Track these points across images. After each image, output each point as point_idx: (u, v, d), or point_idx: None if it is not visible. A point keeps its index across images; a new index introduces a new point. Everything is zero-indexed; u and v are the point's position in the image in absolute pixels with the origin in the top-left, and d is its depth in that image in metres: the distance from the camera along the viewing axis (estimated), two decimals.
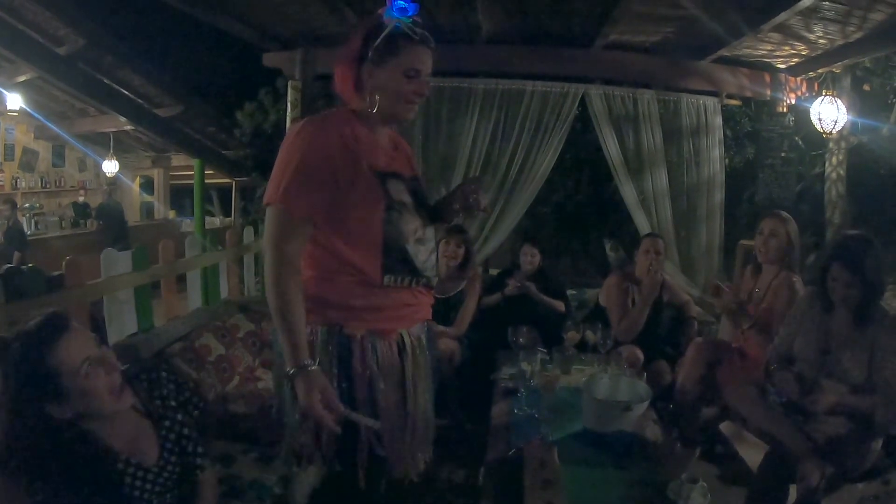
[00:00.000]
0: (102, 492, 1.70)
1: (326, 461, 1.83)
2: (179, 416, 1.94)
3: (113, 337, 3.37)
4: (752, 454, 3.03)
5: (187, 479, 1.93)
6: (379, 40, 1.79)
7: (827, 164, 5.63)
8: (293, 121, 5.28)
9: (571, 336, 3.59)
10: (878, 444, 2.78)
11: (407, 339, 1.91)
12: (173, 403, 1.94)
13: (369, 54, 1.80)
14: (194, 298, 4.15)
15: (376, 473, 1.87)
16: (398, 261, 1.84)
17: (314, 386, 1.67)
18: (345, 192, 1.77)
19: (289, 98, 5.34)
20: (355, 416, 1.73)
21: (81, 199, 12.64)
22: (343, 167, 1.76)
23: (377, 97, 1.83)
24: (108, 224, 10.28)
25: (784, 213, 3.66)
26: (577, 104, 5.23)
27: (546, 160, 5.25)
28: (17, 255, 8.71)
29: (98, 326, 3.38)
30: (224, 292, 4.33)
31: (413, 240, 1.87)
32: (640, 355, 3.93)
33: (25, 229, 10.34)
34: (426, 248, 1.93)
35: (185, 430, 1.94)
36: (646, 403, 2.69)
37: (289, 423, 1.84)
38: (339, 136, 1.78)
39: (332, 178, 1.75)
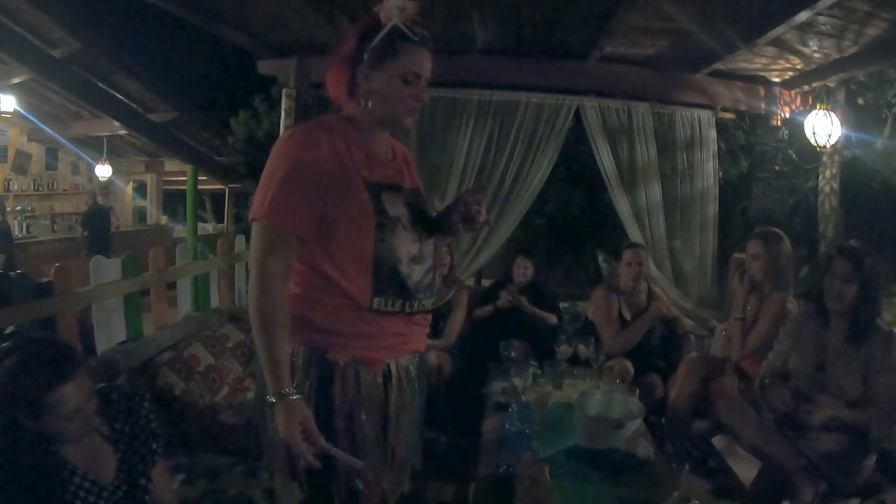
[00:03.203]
0: (56, 500, 1.73)
1: (302, 488, 1.74)
2: (136, 445, 1.92)
3: (102, 345, 3.33)
4: (745, 469, 3.02)
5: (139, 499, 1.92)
6: (376, 41, 1.67)
7: (820, 178, 5.64)
8: (286, 129, 5.27)
9: (563, 350, 3.58)
10: (871, 460, 2.78)
11: (394, 370, 1.79)
12: (128, 431, 1.92)
13: (365, 56, 1.68)
14: (184, 307, 4.12)
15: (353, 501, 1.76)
16: (390, 282, 1.72)
17: (295, 417, 1.58)
18: (334, 207, 1.65)
19: (283, 106, 5.32)
20: (336, 452, 1.64)
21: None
22: (333, 180, 1.65)
23: (371, 102, 1.71)
24: (94, 230, 10.19)
25: (769, 234, 3.64)
26: (571, 116, 5.25)
27: (540, 172, 5.27)
28: (1, 257, 8.64)
29: (86, 334, 3.35)
30: (214, 301, 4.30)
31: (407, 259, 1.75)
32: (631, 368, 3.92)
33: (16, 232, 10.30)
34: (422, 266, 1.80)
35: (140, 459, 1.93)
36: (638, 421, 2.67)
37: (268, 440, 1.74)
38: (329, 146, 1.66)
39: (321, 192, 1.64)
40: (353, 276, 1.69)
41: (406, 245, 1.75)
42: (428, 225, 1.84)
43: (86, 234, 10.17)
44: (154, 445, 1.95)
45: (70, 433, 1.71)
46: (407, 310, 1.76)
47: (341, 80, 1.75)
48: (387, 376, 1.78)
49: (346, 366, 1.70)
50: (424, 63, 1.72)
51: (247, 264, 4.69)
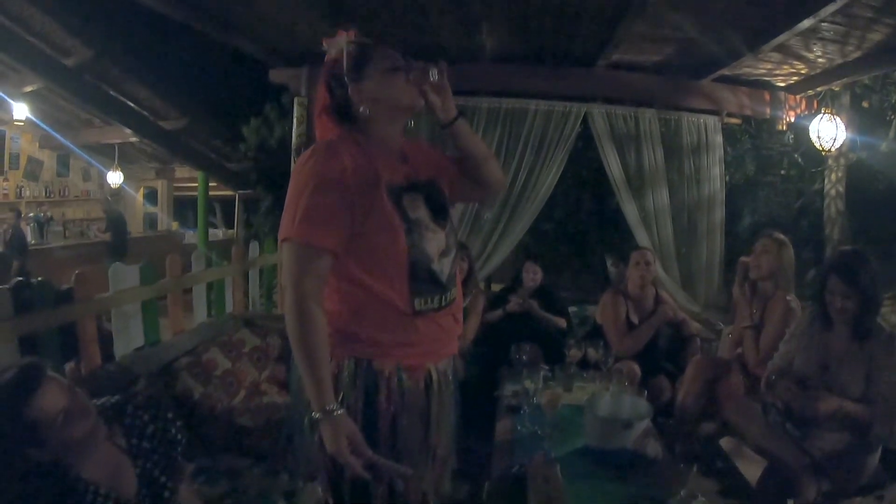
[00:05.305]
0: None
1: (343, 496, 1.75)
2: (156, 457, 1.92)
3: (120, 350, 3.39)
4: (752, 469, 3.07)
5: None
6: (344, 65, 1.73)
7: (826, 181, 5.69)
8: (298, 136, 5.34)
9: (573, 354, 3.63)
10: (874, 458, 2.83)
11: (434, 375, 1.83)
12: (147, 445, 1.92)
13: (344, 81, 1.74)
14: (200, 312, 4.17)
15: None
16: (426, 282, 1.75)
17: (341, 432, 1.59)
18: (363, 220, 1.67)
19: (294, 114, 5.37)
20: (383, 462, 1.65)
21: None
22: (359, 192, 1.66)
23: (374, 108, 1.74)
24: (114, 235, 10.26)
25: (778, 235, 3.70)
26: (579, 123, 5.29)
27: (549, 178, 5.31)
28: (14, 263, 8.69)
29: (105, 338, 3.41)
30: (229, 307, 4.36)
31: (437, 256, 1.77)
32: (638, 370, 3.97)
33: (30, 238, 10.38)
34: (449, 258, 1.82)
35: (163, 472, 1.93)
36: (647, 421, 2.72)
37: (303, 447, 1.77)
38: (351, 158, 1.67)
39: (349, 205, 1.65)
40: (390, 283, 1.72)
41: (434, 242, 1.77)
42: (446, 211, 1.87)
43: (110, 233, 10.23)
44: (175, 454, 1.96)
45: (77, 441, 1.69)
46: (443, 304, 1.80)
47: (332, 118, 1.80)
48: (427, 381, 1.82)
49: (390, 374, 1.74)
50: (394, 55, 1.77)
51: (260, 270, 4.80)
